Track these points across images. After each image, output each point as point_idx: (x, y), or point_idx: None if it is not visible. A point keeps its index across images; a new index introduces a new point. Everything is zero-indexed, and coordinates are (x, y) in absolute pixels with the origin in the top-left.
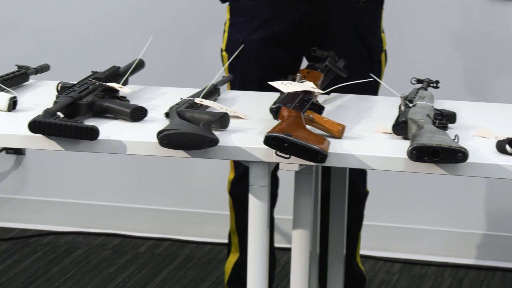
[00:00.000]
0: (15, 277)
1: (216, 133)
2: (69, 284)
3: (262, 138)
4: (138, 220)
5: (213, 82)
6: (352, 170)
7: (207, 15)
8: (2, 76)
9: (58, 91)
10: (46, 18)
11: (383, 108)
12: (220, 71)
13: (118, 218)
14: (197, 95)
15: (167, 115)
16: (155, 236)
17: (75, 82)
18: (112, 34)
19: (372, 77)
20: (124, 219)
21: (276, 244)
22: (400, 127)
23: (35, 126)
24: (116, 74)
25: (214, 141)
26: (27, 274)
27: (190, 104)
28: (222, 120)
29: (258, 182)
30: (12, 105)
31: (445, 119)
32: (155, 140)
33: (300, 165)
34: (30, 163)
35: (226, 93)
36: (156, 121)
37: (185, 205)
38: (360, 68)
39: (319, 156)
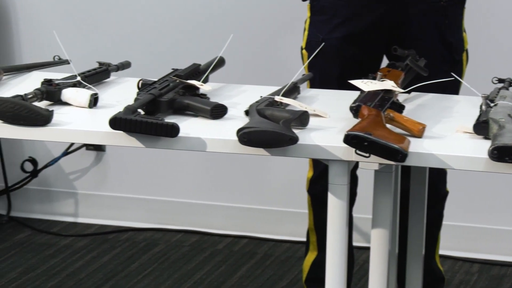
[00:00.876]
0: (94, 273)
1: (295, 131)
2: (147, 281)
3: (341, 137)
4: (216, 217)
5: (293, 80)
6: (432, 170)
7: (288, 13)
8: (83, 73)
9: (139, 88)
10: (128, 15)
11: (464, 107)
12: (300, 70)
13: (196, 215)
14: (277, 93)
15: (247, 113)
16: (233, 233)
17: (155, 80)
18: (193, 32)
19: (453, 76)
20: (203, 216)
21: (355, 243)
22: (481, 127)
23: (116, 122)
24: (197, 71)
25: (294, 139)
26: (106, 270)
27: (270, 102)
28: (302, 118)
29: (337, 181)
30: (93, 101)
31: None
32: (235, 137)
33: (380, 164)
34: (110, 160)
35: (306, 91)
36: (236, 119)
37: (263, 203)
38: (441, 67)
39: (399, 155)
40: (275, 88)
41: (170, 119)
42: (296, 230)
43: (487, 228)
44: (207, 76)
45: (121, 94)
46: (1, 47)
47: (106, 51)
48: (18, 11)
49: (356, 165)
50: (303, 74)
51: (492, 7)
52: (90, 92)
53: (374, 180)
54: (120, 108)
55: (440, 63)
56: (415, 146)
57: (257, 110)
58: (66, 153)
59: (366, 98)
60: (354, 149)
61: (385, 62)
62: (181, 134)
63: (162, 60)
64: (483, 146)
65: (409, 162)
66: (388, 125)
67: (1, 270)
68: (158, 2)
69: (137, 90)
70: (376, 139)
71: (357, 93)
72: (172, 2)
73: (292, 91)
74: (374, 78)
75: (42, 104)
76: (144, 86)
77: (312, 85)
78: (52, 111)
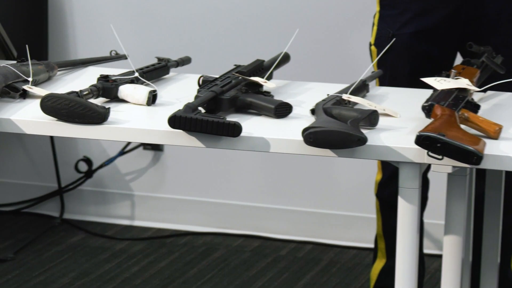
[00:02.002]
0: (151, 278)
1: (364, 131)
2: (206, 287)
3: (413, 138)
4: (279, 221)
5: (362, 78)
6: (509, 174)
7: (356, 7)
8: (141, 69)
9: (199, 85)
10: (188, 7)
11: None
12: (369, 67)
13: (258, 219)
14: (344, 91)
15: (312, 111)
16: (297, 239)
17: (217, 76)
18: (256, 26)
19: None
20: (265, 220)
21: (426, 250)
22: None
23: (175, 121)
24: (260, 68)
25: (362, 140)
26: (163, 275)
27: (337, 101)
28: (371, 118)
29: (408, 184)
30: (152, 99)
31: None
32: (300, 138)
33: (454, 166)
34: (168, 160)
35: (375, 89)
36: (301, 118)
37: (328, 207)
38: None
39: (474, 157)
40: (342, 86)
41: (232, 118)
42: (364, 236)
43: None
44: (271, 72)
45: (180, 91)
46: (55, 41)
47: (165, 46)
48: (73, 4)
49: (428, 167)
50: (372, 71)
51: None
52: (148, 89)
53: (447, 183)
54: (179, 106)
55: None
56: (491, 148)
57: (323, 109)
58: (122, 152)
59: (439, 97)
60: (426, 151)
61: (458, 59)
62: (243, 133)
63: (224, 55)
64: None
65: (484, 165)
66: (462, 126)
67: (53, 275)
68: None
69: (197, 87)
70: (450, 141)
71: (430, 91)
72: None
73: (361, 89)
74: (448, 76)
75: (98, 101)
76: (205, 83)
77: (382, 83)
78: (109, 108)
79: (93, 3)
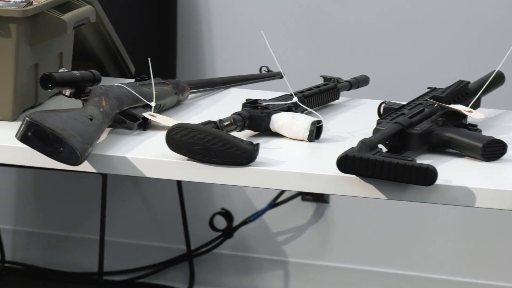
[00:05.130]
0: None
1: None
2: None
3: None
4: None
5: None
6: None
7: None
8: (302, 92)
9: (380, 114)
10: (361, 10)
11: None
12: None
13: None
14: None
15: None
16: None
17: (404, 103)
18: (457, 36)
19: None
20: None
21: None
22: None
23: (347, 163)
24: (464, 92)
25: None
26: None
27: None
28: None
29: None
30: (315, 132)
31: None
32: None
33: None
34: (335, 216)
35: None
36: None
37: None
38: None
39: None
40: None
41: (423, 159)
42: None
43: None
44: (479, 98)
45: (354, 122)
46: (186, 54)
47: (332, 61)
48: (209, 6)
49: None
50: None
51: None
52: (311, 119)
53: None
54: (353, 142)
55: None
56: None
57: None
58: (273, 204)
59: None
60: None
61: None
62: (439, 181)
63: (411, 75)
64: None
65: None
66: None
67: None
68: (404, 4)
69: (377, 118)
70: None
71: None
72: (430, 3)
73: None
74: None
75: (243, 134)
76: (387, 111)
77: None
78: (257, 145)
79: (236, 5)
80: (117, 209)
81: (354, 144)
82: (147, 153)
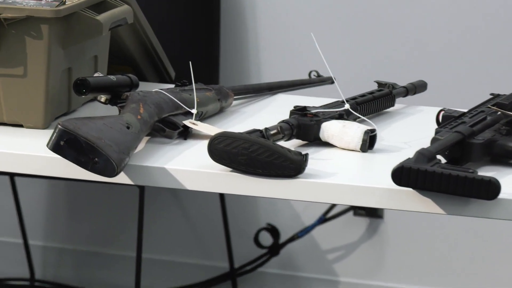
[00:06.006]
0: None
1: None
2: None
3: None
4: None
5: None
6: None
7: None
8: (354, 98)
9: (438, 122)
10: (420, 11)
11: None
12: None
13: None
14: None
15: None
16: None
17: (465, 110)
18: None
19: None
20: None
21: None
22: None
23: (403, 175)
24: None
25: None
26: None
27: None
28: None
29: None
30: (369, 142)
31: None
32: None
33: None
34: (390, 232)
35: None
36: None
37: None
38: None
39: None
40: None
41: (485, 171)
42: None
43: None
44: None
45: (411, 131)
46: (229, 57)
47: (388, 66)
48: (256, 4)
49: None
50: None
51: None
52: (364, 127)
53: None
54: (409, 153)
55: None
56: None
57: None
58: (323, 219)
59: None
60: None
61: None
62: (502, 194)
63: (475, 81)
64: None
65: None
66: None
67: None
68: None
69: (435, 126)
70: None
71: None
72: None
73: None
74: None
75: (291, 144)
76: (447, 119)
77: None
78: (306, 155)
79: (284, 3)
80: (155, 224)
81: (411, 154)
82: (187, 164)
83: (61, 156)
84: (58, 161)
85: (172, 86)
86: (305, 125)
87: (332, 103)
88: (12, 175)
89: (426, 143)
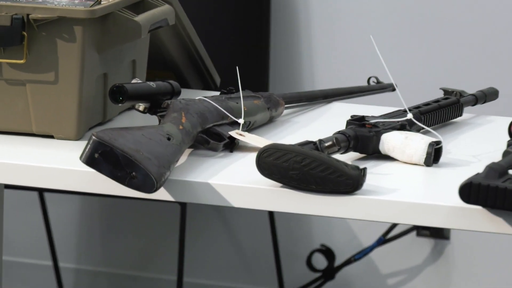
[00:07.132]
0: None
1: None
2: None
3: None
4: None
5: None
6: None
7: None
8: (417, 107)
9: (511, 134)
10: (490, 12)
11: None
12: None
13: None
14: None
15: None
16: None
17: None
18: None
19: None
20: None
21: None
22: None
23: (472, 191)
24: None
25: None
26: None
27: None
28: None
29: None
30: (434, 155)
31: None
32: None
33: None
34: (457, 254)
35: None
36: None
37: None
38: None
39: None
40: None
41: None
42: None
43: None
44: None
45: (478, 143)
46: (280, 62)
47: (455, 72)
48: (309, 6)
49: None
50: None
51: None
52: (428, 139)
53: None
54: (479, 167)
55: None
56: None
57: None
58: (383, 240)
59: None
60: None
61: None
62: None
63: None
64: None
65: None
66: None
67: None
68: None
69: (508, 138)
70: None
71: None
72: None
73: None
74: None
75: (348, 157)
76: None
77: None
78: (365, 169)
79: (340, 3)
80: (197, 245)
81: (480, 169)
82: (233, 179)
83: (95, 170)
84: (92, 175)
85: (217, 93)
86: (363, 137)
87: (393, 112)
88: (41, 191)
89: (497, 157)
